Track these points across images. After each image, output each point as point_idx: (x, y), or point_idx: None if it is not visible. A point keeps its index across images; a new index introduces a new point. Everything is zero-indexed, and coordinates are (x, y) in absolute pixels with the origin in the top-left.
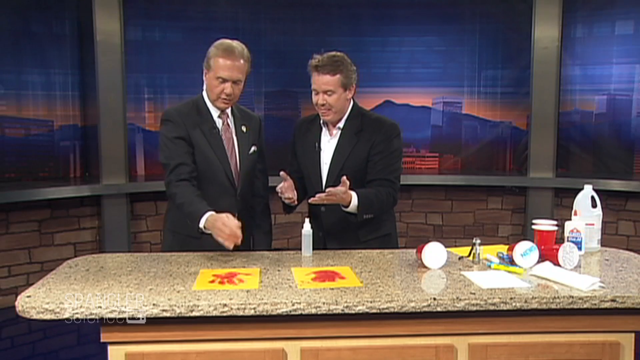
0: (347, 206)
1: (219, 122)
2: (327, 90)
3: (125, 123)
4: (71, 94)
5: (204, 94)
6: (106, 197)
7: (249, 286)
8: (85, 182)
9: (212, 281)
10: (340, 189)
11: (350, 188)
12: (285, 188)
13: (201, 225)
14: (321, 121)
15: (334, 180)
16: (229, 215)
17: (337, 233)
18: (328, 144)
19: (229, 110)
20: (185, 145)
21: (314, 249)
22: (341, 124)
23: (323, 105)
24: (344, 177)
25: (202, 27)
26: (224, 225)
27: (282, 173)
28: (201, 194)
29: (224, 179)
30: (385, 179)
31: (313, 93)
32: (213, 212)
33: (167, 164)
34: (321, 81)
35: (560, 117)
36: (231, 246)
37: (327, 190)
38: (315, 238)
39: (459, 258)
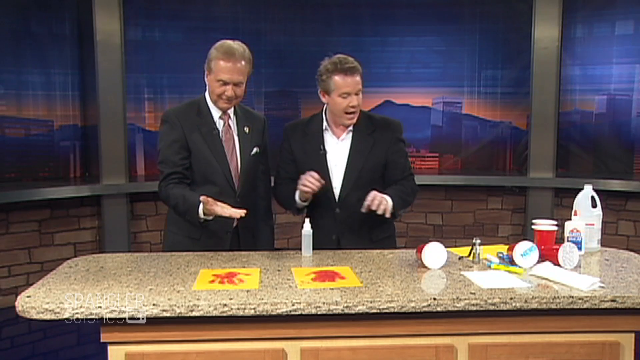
0: None
1: (220, 123)
2: (359, 90)
3: (125, 123)
4: (71, 94)
5: (206, 94)
6: (106, 197)
7: (249, 286)
8: (85, 182)
9: (212, 281)
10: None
11: (375, 189)
12: (315, 184)
13: (200, 214)
14: (323, 125)
15: (352, 182)
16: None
17: (352, 233)
18: (336, 146)
19: (231, 111)
20: (180, 150)
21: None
22: (350, 126)
23: (354, 107)
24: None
25: (202, 27)
26: (220, 207)
27: (314, 174)
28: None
29: (223, 180)
30: (408, 175)
31: (342, 97)
32: (205, 197)
33: (161, 171)
34: (354, 82)
35: (560, 117)
36: (238, 214)
37: (371, 196)
38: (327, 241)
39: (459, 258)
